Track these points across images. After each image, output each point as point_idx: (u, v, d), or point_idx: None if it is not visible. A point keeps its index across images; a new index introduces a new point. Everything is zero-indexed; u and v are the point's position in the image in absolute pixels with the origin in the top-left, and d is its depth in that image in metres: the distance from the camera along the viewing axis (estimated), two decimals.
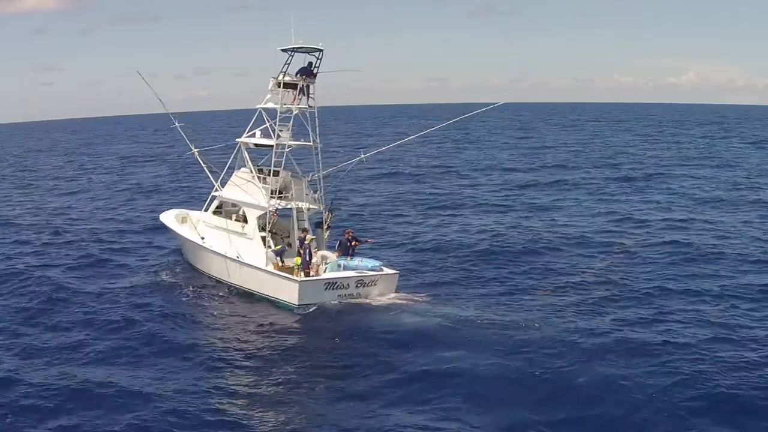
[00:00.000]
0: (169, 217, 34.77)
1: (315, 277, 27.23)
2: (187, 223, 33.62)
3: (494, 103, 33.62)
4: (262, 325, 25.94)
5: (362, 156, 30.98)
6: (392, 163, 71.86)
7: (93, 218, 47.28)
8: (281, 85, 29.24)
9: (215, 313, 27.17)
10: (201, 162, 32.64)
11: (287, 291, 27.06)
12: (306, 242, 27.52)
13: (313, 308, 26.69)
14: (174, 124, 32.27)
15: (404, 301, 27.24)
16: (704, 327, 24.42)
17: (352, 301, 27.23)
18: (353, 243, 29.13)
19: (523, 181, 62.28)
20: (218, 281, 30.17)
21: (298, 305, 26.67)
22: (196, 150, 32.59)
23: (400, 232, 40.66)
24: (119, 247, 37.90)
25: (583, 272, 31.68)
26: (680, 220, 42.60)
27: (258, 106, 30.06)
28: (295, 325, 25.98)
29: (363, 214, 45.49)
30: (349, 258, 28.64)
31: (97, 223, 45.37)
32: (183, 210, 35.89)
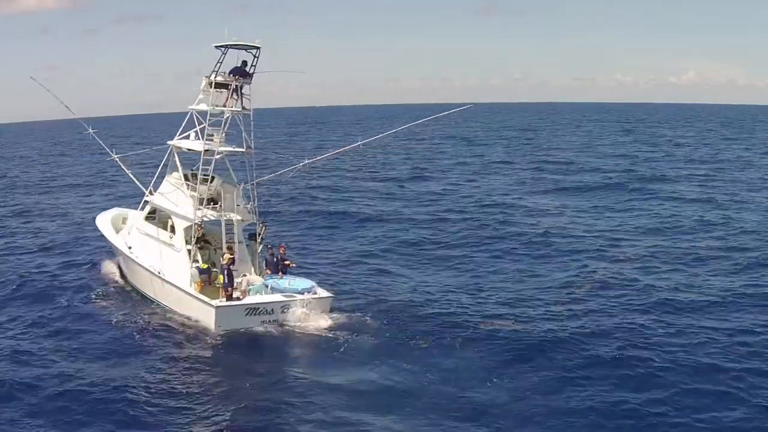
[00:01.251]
0: (105, 218, 32.53)
1: (234, 303, 24.83)
2: (123, 226, 31.50)
3: (462, 106, 31.14)
4: (178, 349, 23.64)
5: (305, 161, 28.52)
6: (373, 166, 69.39)
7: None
8: (213, 85, 26.72)
9: (128, 330, 24.89)
10: (124, 168, 30.33)
11: (204, 316, 24.78)
12: (224, 262, 25.10)
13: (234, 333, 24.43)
14: (88, 130, 29.92)
15: (336, 329, 24.82)
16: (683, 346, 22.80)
17: (279, 326, 24.91)
18: (286, 262, 26.89)
19: (503, 185, 59.22)
20: (143, 295, 27.97)
21: (215, 331, 24.39)
22: (116, 156, 30.25)
23: (351, 238, 38.36)
24: (56, 253, 35.79)
25: (551, 292, 29.16)
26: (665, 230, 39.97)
27: (190, 107, 27.61)
28: (213, 349, 23.75)
29: (315, 222, 42.78)
30: (280, 275, 26.37)
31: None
32: (124, 210, 33.71)
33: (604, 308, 26.64)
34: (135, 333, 24.49)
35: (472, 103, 30.02)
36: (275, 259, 26.69)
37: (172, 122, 31.29)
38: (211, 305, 24.40)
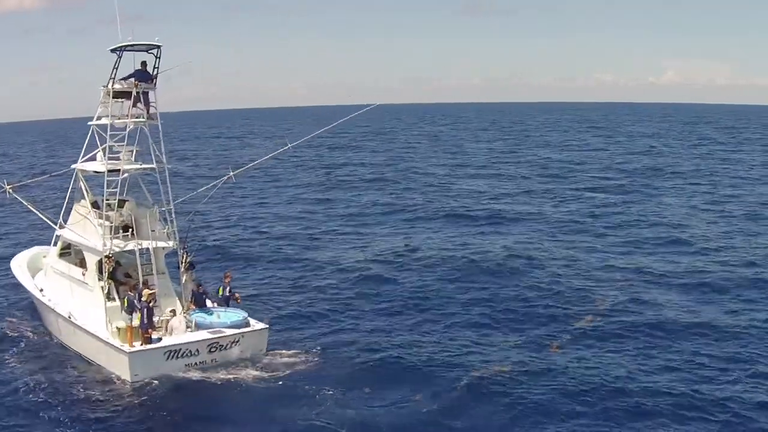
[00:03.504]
0: (22, 259, 28.77)
1: (151, 346, 21.03)
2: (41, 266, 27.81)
3: (368, 106, 27.55)
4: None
5: (230, 173, 24.87)
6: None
7: None
8: (112, 95, 23.00)
9: (31, 386, 20.89)
10: (22, 200, 26.78)
11: (117, 364, 21.05)
12: (143, 299, 21.31)
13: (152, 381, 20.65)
14: None
15: (274, 367, 21.17)
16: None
17: (206, 369, 21.17)
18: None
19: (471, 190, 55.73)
20: (59, 343, 24.19)
21: (132, 381, 20.63)
22: (9, 186, 26.61)
23: (287, 261, 34.41)
24: None
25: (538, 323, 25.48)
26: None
27: (90, 123, 23.92)
28: (128, 406, 19.92)
29: (244, 244, 38.46)
30: (211, 304, 22.70)
31: None
32: (44, 248, 29.90)
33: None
34: (39, 389, 20.63)
35: (374, 104, 26.56)
36: (201, 292, 22.99)
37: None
38: (124, 351, 20.66)
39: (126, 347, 20.75)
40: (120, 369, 20.95)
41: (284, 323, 25.08)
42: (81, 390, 20.64)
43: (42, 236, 33.05)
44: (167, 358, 20.93)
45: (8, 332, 25.63)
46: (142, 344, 21.02)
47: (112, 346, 21.10)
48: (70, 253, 25.66)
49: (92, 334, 21.75)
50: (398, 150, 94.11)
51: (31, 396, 20.17)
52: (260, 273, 32.28)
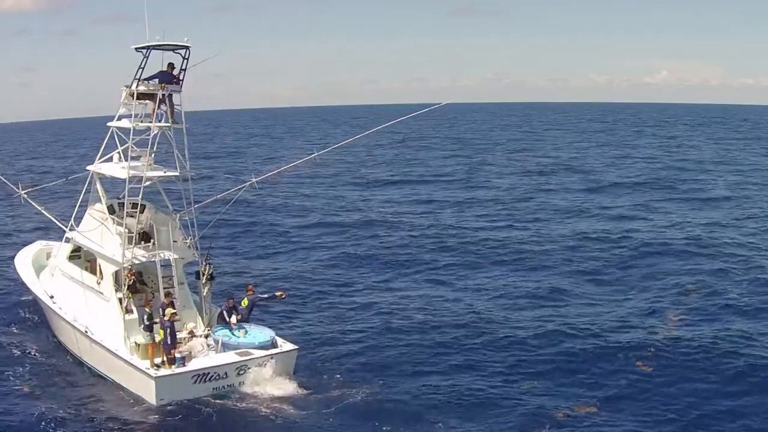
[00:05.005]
0: (26, 256, 27.49)
1: (179, 370, 19.99)
2: (48, 263, 26.55)
3: (437, 104, 26.82)
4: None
5: (252, 179, 23.79)
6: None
7: None
8: (135, 96, 21.68)
9: (45, 405, 19.78)
10: (35, 205, 25.56)
11: (142, 387, 20.04)
12: (165, 318, 20.25)
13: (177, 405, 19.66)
14: None
15: (303, 393, 20.24)
16: None
17: (233, 392, 20.24)
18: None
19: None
20: (71, 355, 23.10)
21: (158, 405, 19.67)
22: (23, 191, 25.32)
23: (315, 269, 32.84)
24: None
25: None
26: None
27: (109, 124, 22.63)
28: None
29: (267, 252, 36.68)
30: (233, 322, 21.58)
31: None
32: (48, 243, 28.63)
33: None
34: (54, 410, 19.57)
35: (446, 103, 26.10)
36: (232, 306, 21.82)
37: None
38: (150, 376, 19.63)
39: (151, 370, 19.73)
40: (145, 392, 19.94)
41: (316, 336, 24.19)
42: (99, 413, 19.66)
43: (48, 235, 31.90)
44: (195, 382, 19.97)
45: (12, 336, 24.57)
46: (164, 363, 20.07)
47: (136, 368, 20.05)
48: (80, 256, 24.49)
49: (113, 353, 20.64)
50: (412, 150, 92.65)
51: (43, 420, 19.02)
52: (288, 281, 31.08)
